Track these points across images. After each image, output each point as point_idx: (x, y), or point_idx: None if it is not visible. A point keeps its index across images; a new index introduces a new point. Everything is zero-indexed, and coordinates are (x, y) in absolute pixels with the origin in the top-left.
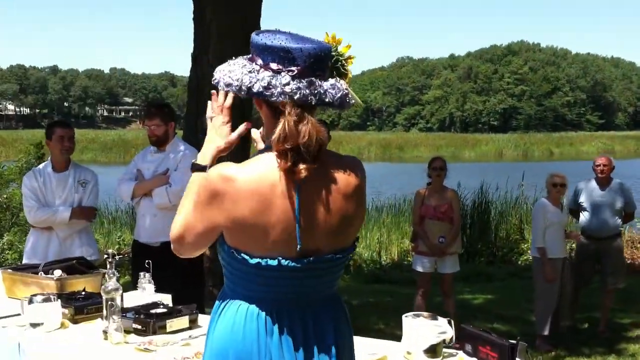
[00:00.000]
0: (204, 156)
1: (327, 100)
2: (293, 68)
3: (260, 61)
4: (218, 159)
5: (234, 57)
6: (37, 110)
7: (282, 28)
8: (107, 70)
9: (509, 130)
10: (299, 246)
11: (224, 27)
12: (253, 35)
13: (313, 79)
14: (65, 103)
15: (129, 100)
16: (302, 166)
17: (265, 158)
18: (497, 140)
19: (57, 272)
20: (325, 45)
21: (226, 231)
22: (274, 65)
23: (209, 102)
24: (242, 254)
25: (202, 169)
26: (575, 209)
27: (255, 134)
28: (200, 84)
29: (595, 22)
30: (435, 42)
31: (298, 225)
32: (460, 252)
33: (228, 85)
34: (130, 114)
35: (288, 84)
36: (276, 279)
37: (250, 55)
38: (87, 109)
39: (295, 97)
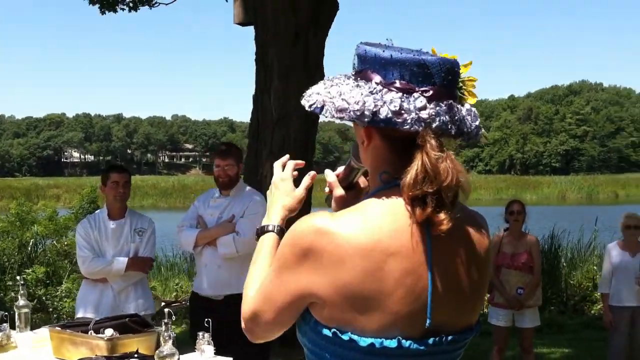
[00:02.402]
0: (269, 218)
1: (465, 129)
2: (427, 87)
3: (379, 78)
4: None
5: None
6: (101, 157)
7: (344, 68)
8: (168, 117)
9: (571, 172)
10: (428, 321)
11: (286, 66)
12: (366, 47)
13: (452, 102)
14: (128, 150)
15: (190, 146)
16: (442, 215)
17: (377, 205)
18: (559, 182)
19: (109, 332)
20: (452, 59)
21: (323, 304)
22: (400, 84)
23: (277, 164)
24: (350, 334)
25: (272, 229)
26: None
27: (331, 177)
28: (261, 125)
29: None
30: (494, 83)
31: (431, 292)
32: (540, 304)
33: (341, 110)
34: (190, 159)
35: (424, 107)
36: None
37: (359, 72)
38: (149, 155)
39: (434, 125)
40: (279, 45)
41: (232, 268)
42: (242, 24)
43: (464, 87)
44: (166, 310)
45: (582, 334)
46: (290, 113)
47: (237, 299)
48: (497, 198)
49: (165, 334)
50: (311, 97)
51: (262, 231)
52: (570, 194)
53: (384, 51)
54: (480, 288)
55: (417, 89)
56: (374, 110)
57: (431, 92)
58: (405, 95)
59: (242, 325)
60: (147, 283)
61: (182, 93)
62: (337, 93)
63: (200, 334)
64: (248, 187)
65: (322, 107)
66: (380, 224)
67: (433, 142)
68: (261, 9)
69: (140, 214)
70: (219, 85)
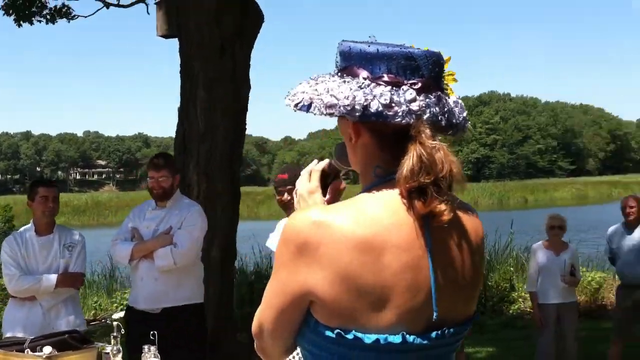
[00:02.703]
0: None
1: (454, 120)
2: (416, 80)
3: (366, 73)
4: None
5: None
6: (9, 176)
7: (275, 84)
8: (80, 134)
9: (482, 180)
10: (435, 314)
11: (211, 79)
12: (350, 44)
13: (440, 93)
14: (37, 168)
15: (103, 162)
16: (443, 206)
17: (373, 199)
18: (471, 189)
19: (47, 349)
20: (437, 52)
21: (323, 302)
22: (388, 77)
23: (304, 172)
24: (354, 333)
25: None
26: (611, 257)
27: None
28: (187, 138)
29: (563, 71)
30: None
31: (434, 284)
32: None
33: (330, 106)
34: (104, 176)
35: (414, 100)
36: None
37: (343, 69)
38: (59, 172)
39: (425, 117)
40: (205, 58)
41: (170, 280)
42: (166, 36)
43: (445, 81)
44: (115, 323)
45: (501, 334)
46: (217, 125)
47: (174, 311)
48: None
49: (115, 347)
50: (296, 96)
51: None
52: (482, 200)
53: (369, 46)
54: (478, 277)
55: (405, 81)
56: (365, 104)
57: (420, 84)
58: (394, 88)
59: (255, 341)
60: (78, 299)
61: (95, 109)
62: (324, 90)
63: (146, 347)
64: (186, 198)
65: (309, 105)
66: (376, 217)
67: (427, 131)
68: (184, 22)
69: (69, 229)
70: (133, 101)
